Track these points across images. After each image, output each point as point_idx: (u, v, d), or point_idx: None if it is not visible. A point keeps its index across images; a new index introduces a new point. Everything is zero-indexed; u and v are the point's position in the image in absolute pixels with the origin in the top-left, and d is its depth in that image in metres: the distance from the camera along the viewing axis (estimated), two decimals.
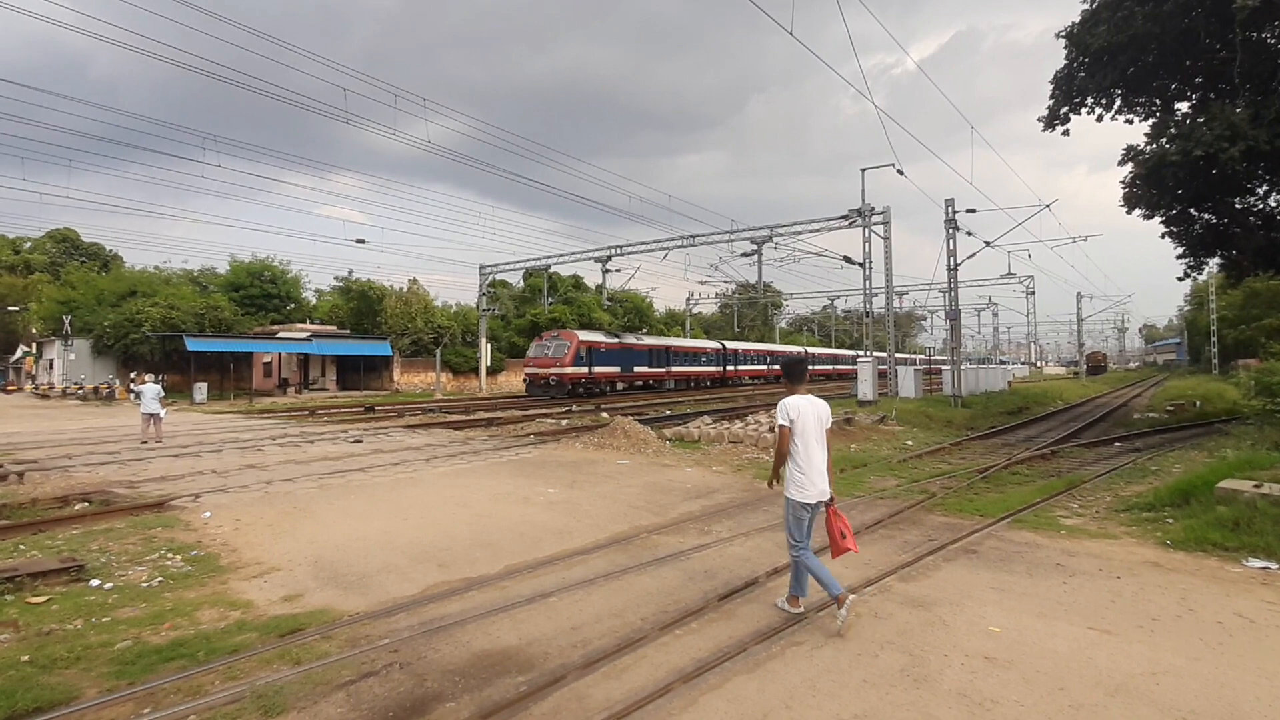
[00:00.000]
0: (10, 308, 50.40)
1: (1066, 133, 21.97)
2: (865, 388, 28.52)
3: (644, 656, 4.86)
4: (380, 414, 26.51)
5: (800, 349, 62.85)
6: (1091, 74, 20.27)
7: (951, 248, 30.33)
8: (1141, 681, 4.50)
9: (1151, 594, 6.21)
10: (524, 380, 39.32)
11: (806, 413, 5.75)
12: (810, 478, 5.71)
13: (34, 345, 48.31)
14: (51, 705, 4.11)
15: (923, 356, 69.80)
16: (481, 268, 47.25)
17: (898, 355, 34.43)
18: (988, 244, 32.79)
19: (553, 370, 35.98)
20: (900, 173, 26.49)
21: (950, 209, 29.94)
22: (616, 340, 41.19)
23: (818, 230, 33.48)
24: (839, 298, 70.96)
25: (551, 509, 9.63)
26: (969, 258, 31.43)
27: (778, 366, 45.31)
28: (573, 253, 44.79)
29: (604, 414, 24.20)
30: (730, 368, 53.12)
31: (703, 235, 38.23)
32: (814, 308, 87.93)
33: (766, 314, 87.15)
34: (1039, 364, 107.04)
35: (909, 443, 17.74)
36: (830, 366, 68.11)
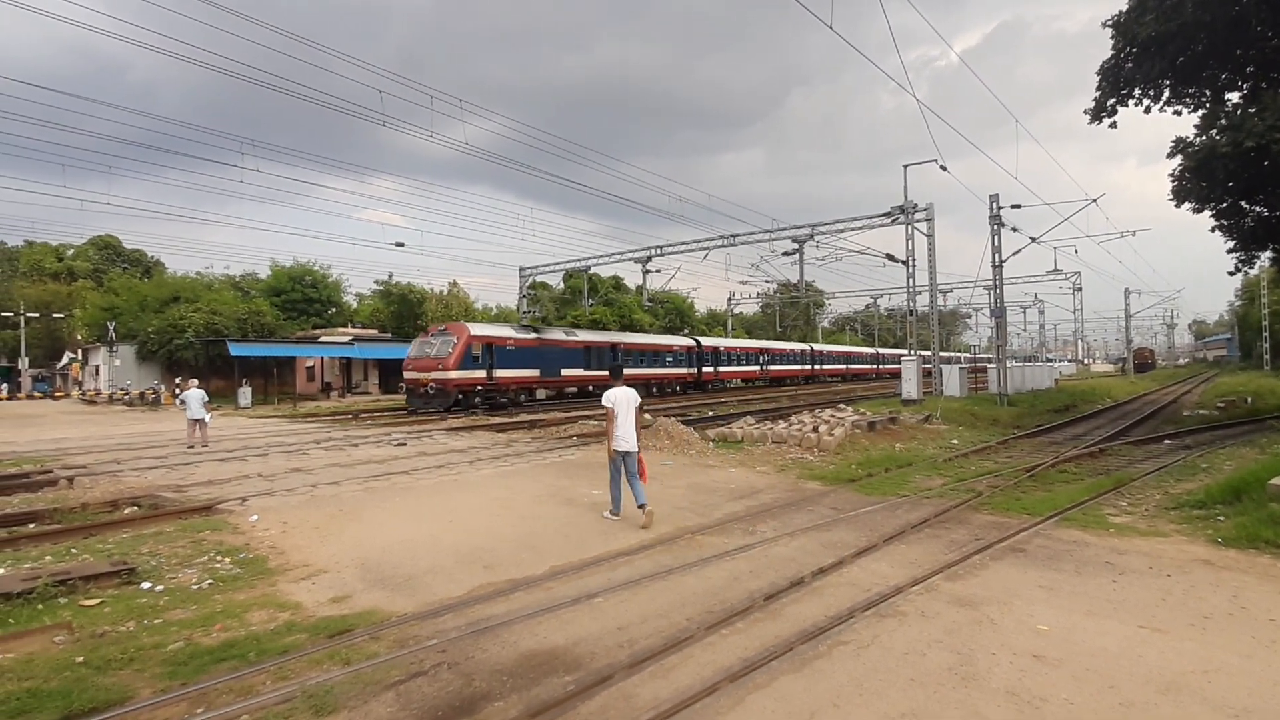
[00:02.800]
0: (55, 315, 51.96)
1: (1114, 125, 21.40)
2: (909, 387, 28.03)
3: (690, 656, 4.82)
4: (423, 417, 26.79)
5: (805, 346, 61.32)
6: (1139, 64, 19.70)
7: (996, 244, 29.74)
8: (1193, 679, 4.42)
9: (1203, 592, 6.08)
10: (402, 388, 32.61)
11: (621, 399, 9.02)
12: (625, 437, 8.87)
13: (79, 352, 49.71)
14: (107, 705, 4.14)
15: (967, 355, 68.40)
16: (521, 269, 47.43)
17: (942, 354, 33.80)
18: (1033, 240, 32.07)
19: (433, 375, 28.57)
20: (943, 168, 26.03)
21: (994, 205, 29.34)
22: (533, 336, 33.41)
23: (860, 228, 33.01)
24: (882, 296, 70.09)
25: (596, 509, 9.59)
26: (1014, 254, 30.74)
27: (784, 367, 43.02)
28: (613, 254, 44.61)
29: (647, 416, 24.15)
30: (707, 369, 45.66)
31: (743, 234, 37.85)
32: (857, 306, 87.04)
33: (809, 313, 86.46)
34: (1086, 361, 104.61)
35: (954, 442, 17.43)
36: (845, 365, 65.10)
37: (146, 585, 6.43)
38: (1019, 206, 29.82)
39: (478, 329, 30.92)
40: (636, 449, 8.88)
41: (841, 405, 22.59)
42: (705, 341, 46.90)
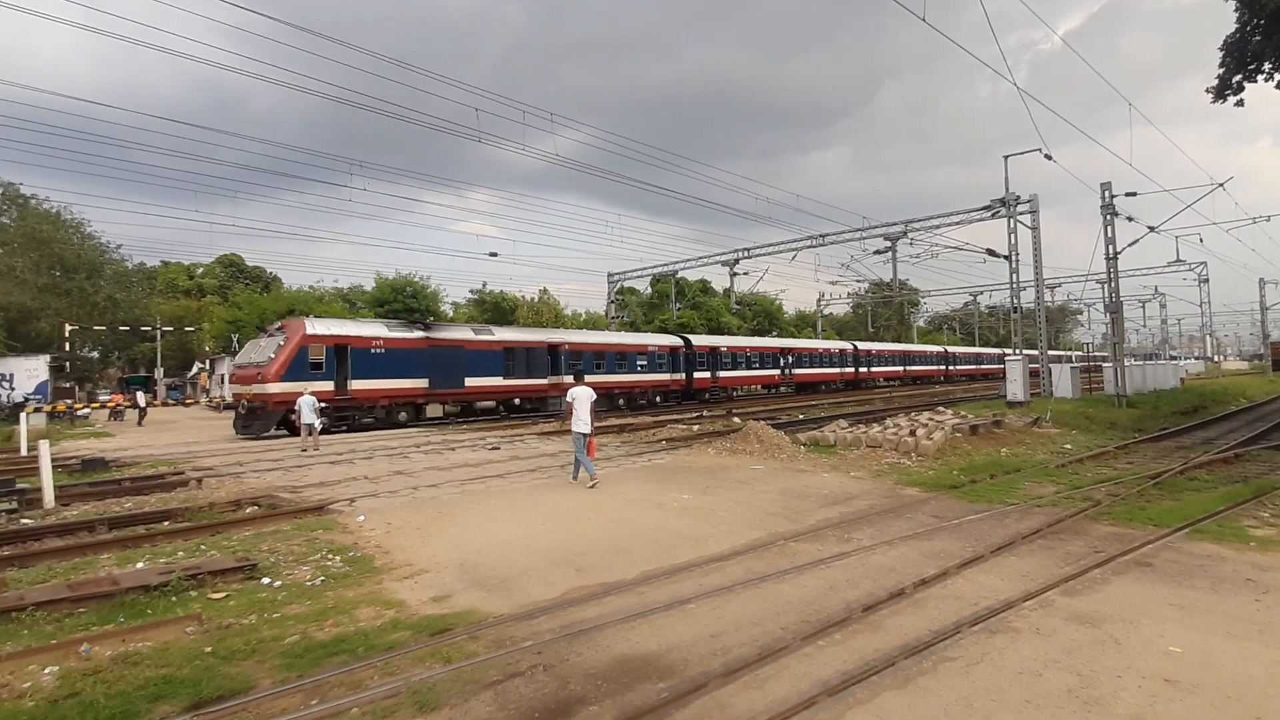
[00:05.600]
0: (187, 328, 56.09)
1: (1240, 103, 19.75)
2: (1015, 388, 26.74)
3: (786, 667, 4.74)
4: (515, 422, 27.40)
5: (847, 345, 53.31)
6: (1269, 36, 18.11)
7: (1110, 235, 28.05)
8: None
9: None
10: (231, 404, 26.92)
11: (580, 394, 12.18)
12: (582, 422, 11.98)
13: (207, 362, 53.41)
14: (232, 694, 4.44)
15: (1080, 353, 64.47)
16: (609, 275, 48.01)
17: (1051, 352, 32.08)
18: (1151, 229, 30.07)
19: (253, 388, 22.85)
20: (1048, 157, 24.75)
21: (1107, 193, 27.71)
22: (419, 335, 26.38)
23: (956, 223, 31.81)
24: (982, 293, 67.25)
25: (685, 515, 9.60)
26: (1130, 245, 28.96)
27: (815, 371, 41.90)
28: (700, 257, 44.59)
29: (735, 419, 24.01)
30: (701, 374, 38.39)
31: (833, 234, 37.09)
32: (954, 304, 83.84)
33: (903, 313, 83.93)
34: (1216, 358, 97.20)
35: (1068, 446, 16.50)
36: (902, 367, 57.87)
37: (266, 581, 6.84)
38: (1134, 194, 28.05)
39: (322, 325, 24.45)
40: (588, 433, 12.00)
41: (940, 408, 21.80)
42: (698, 340, 39.92)
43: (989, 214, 29.71)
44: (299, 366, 22.75)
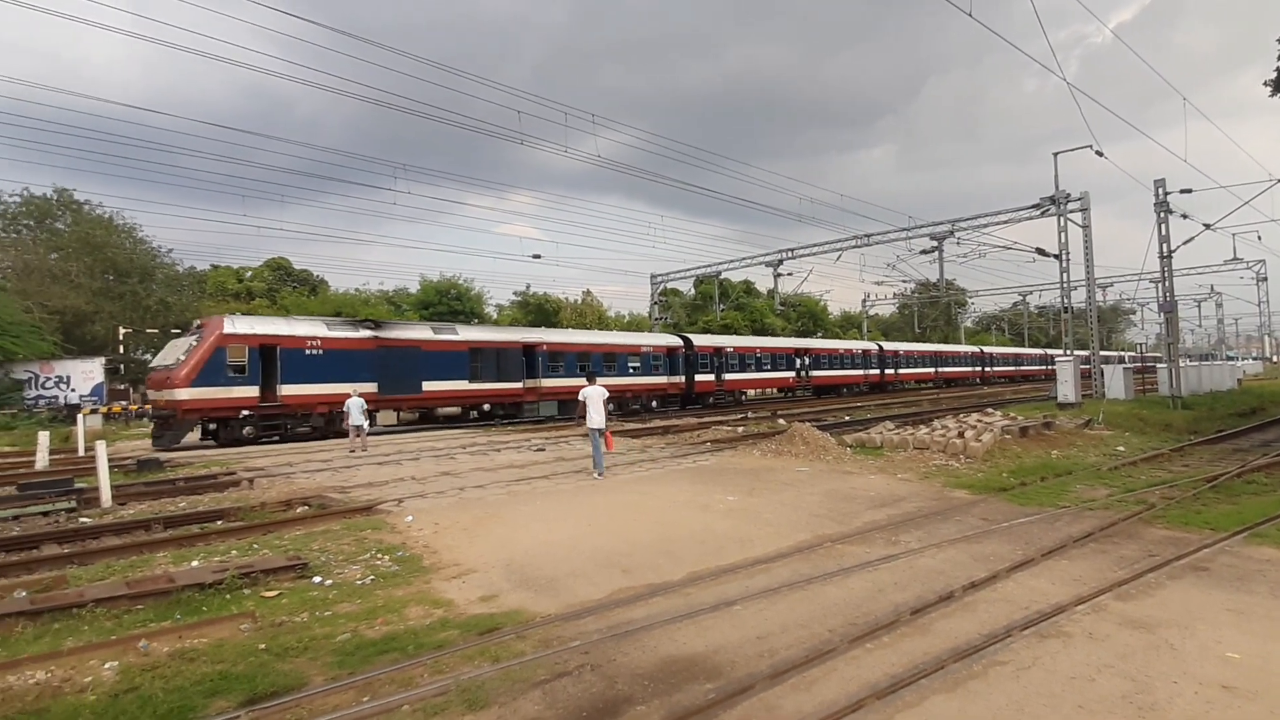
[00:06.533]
0: None
1: None
2: (1066, 389, 26.10)
3: (834, 670, 4.71)
4: (560, 423, 27.50)
5: (872, 345, 51.28)
6: None
7: (1164, 233, 27.24)
8: None
9: None
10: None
11: (593, 393, 13.13)
12: (595, 418, 13.00)
13: None
14: (286, 690, 4.53)
15: (1132, 354, 62.57)
16: (652, 277, 47.97)
17: (1103, 353, 31.19)
18: (1207, 227, 29.14)
19: (162, 394, 20.77)
20: (1099, 154, 24.18)
21: (1160, 190, 26.92)
22: (367, 334, 24.00)
23: (1005, 222, 31.15)
24: (1031, 293, 65.74)
25: (731, 516, 9.55)
26: (1185, 243, 28.10)
27: (835, 373, 40.91)
28: (743, 258, 44.20)
29: (781, 421, 23.85)
30: (703, 376, 35.92)
31: (878, 234, 36.52)
32: (1002, 304, 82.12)
33: (949, 313, 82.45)
34: (1275, 358, 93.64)
35: (1120, 449, 16.06)
36: (933, 369, 54.78)
37: (317, 579, 6.97)
38: (1189, 191, 27.20)
39: (244, 324, 21.98)
40: (602, 428, 13.12)
41: (989, 409, 21.37)
42: (700, 340, 37.38)
43: (1038, 212, 29.07)
44: (214, 370, 20.35)
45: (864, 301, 65.54)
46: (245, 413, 20.71)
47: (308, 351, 22.33)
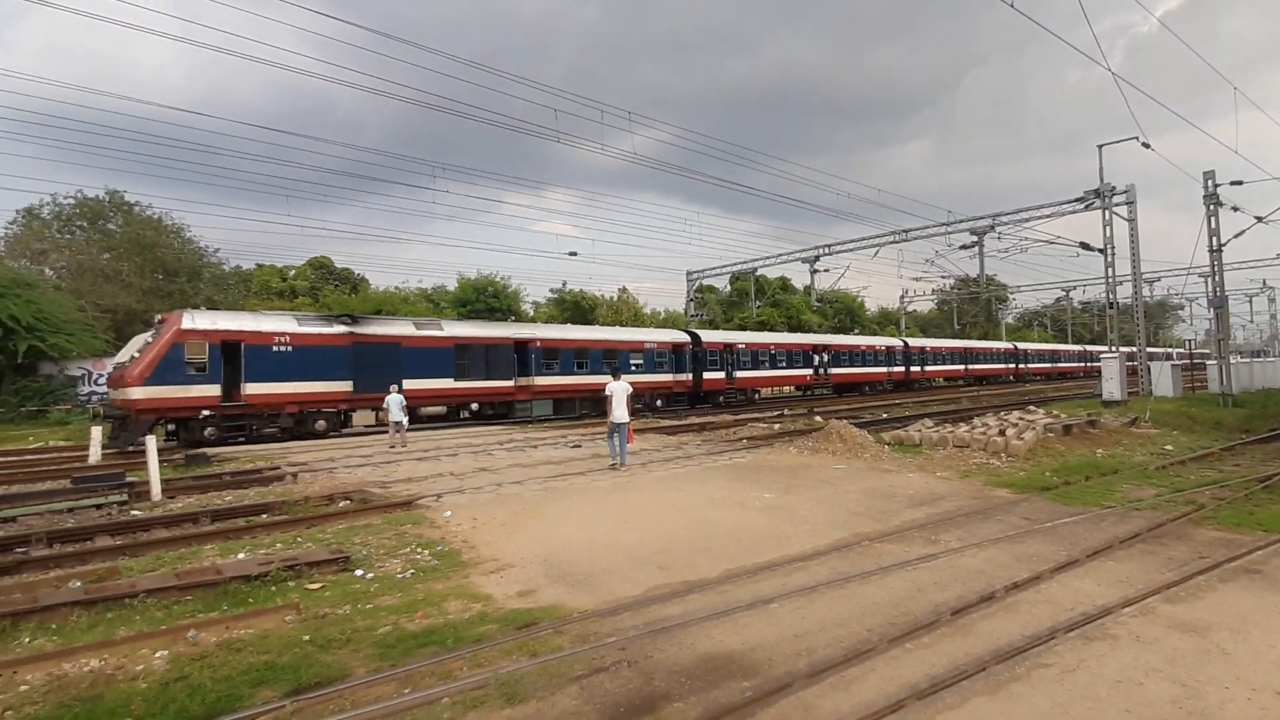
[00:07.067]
0: None
1: None
2: (1111, 386, 25.51)
3: (873, 669, 4.67)
4: (596, 420, 27.49)
5: (895, 341, 48.74)
6: None
7: (1213, 226, 26.41)
8: None
9: None
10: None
11: (618, 388, 13.86)
12: (616, 413, 13.70)
13: None
14: (329, 681, 4.62)
15: (1180, 350, 60.67)
16: (688, 273, 47.81)
17: (1150, 349, 30.35)
18: (1259, 219, 28.20)
19: (119, 393, 19.89)
20: (1146, 145, 23.49)
21: (1210, 183, 26.10)
22: (341, 330, 22.69)
23: (1047, 216, 30.42)
24: (1074, 288, 64.17)
25: (768, 514, 9.51)
26: (1235, 236, 27.22)
27: (855, 370, 39.81)
28: (779, 254, 43.86)
29: (818, 418, 23.63)
30: (711, 374, 34.09)
31: (916, 229, 35.87)
32: (1044, 300, 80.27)
33: (990, 309, 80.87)
34: None
35: (1168, 447, 15.65)
36: (961, 366, 52.42)
37: (359, 573, 7.10)
38: (1239, 183, 26.33)
39: (204, 319, 20.50)
40: (626, 422, 13.92)
41: (1031, 407, 20.94)
42: (709, 337, 35.63)
43: (1082, 206, 28.39)
44: (170, 367, 19.17)
45: (901, 298, 64.67)
46: (206, 413, 19.65)
47: (275, 348, 21.08)
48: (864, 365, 44.51)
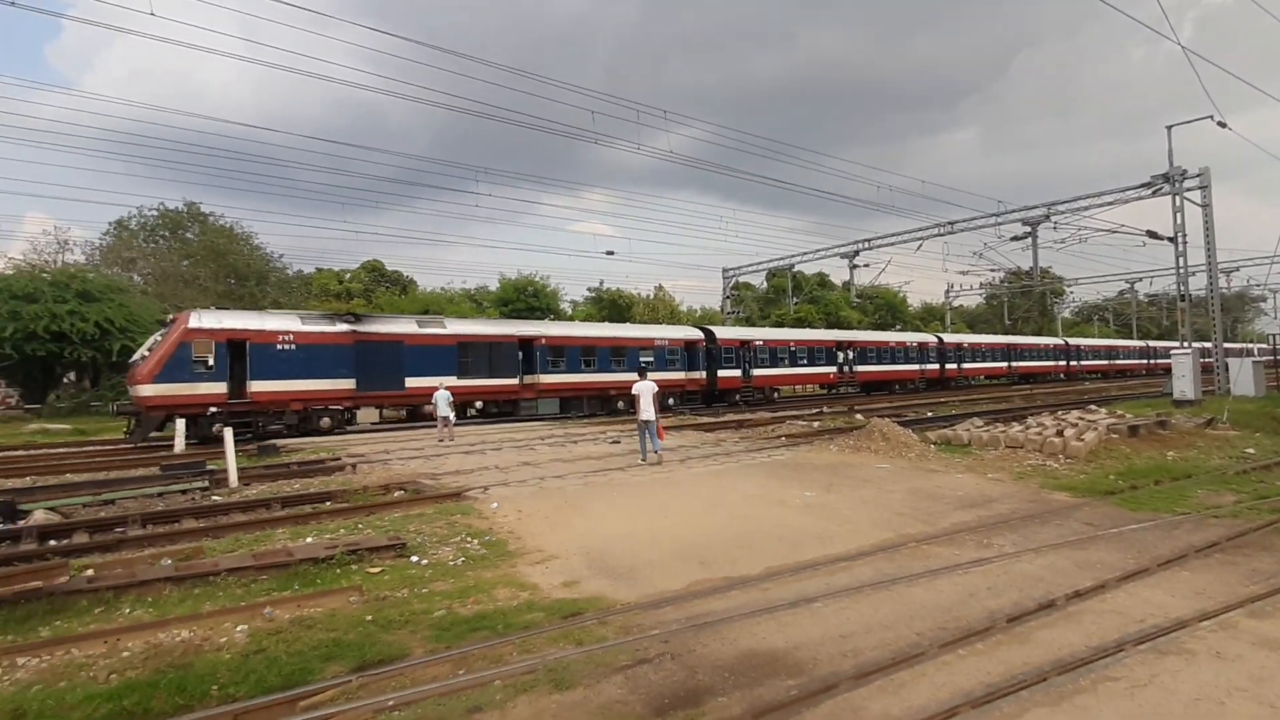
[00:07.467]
0: None
1: None
2: (1183, 384, 24.07)
3: (923, 674, 4.60)
4: (634, 417, 27.24)
5: (931, 337, 46.65)
6: None
7: None
8: None
9: None
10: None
11: (644, 387, 14.39)
12: (644, 411, 14.15)
13: None
14: (391, 659, 4.87)
15: (1263, 345, 57.77)
16: (724, 270, 47.68)
17: (1227, 345, 28.95)
18: None
19: (132, 390, 20.55)
20: (1221, 124, 22.48)
21: None
22: (344, 328, 22.99)
23: (1109, 204, 29.24)
24: (1140, 280, 61.82)
25: (809, 512, 9.49)
26: None
27: (886, 368, 38.14)
28: (817, 250, 43.30)
29: (859, 415, 23.37)
30: (727, 371, 33.33)
31: (963, 220, 34.94)
32: (1106, 293, 77.27)
33: (1045, 303, 78.02)
34: None
35: (1250, 451, 14.90)
36: (1004, 363, 49.40)
37: (415, 559, 7.37)
38: None
39: (210, 318, 21.01)
40: (654, 419, 14.23)
41: (1093, 405, 20.33)
42: (723, 334, 34.52)
43: (1149, 191, 27.11)
44: (178, 365, 19.70)
45: (947, 292, 62.97)
46: (213, 410, 19.99)
47: (279, 346, 21.46)
48: (893, 362, 42.46)
